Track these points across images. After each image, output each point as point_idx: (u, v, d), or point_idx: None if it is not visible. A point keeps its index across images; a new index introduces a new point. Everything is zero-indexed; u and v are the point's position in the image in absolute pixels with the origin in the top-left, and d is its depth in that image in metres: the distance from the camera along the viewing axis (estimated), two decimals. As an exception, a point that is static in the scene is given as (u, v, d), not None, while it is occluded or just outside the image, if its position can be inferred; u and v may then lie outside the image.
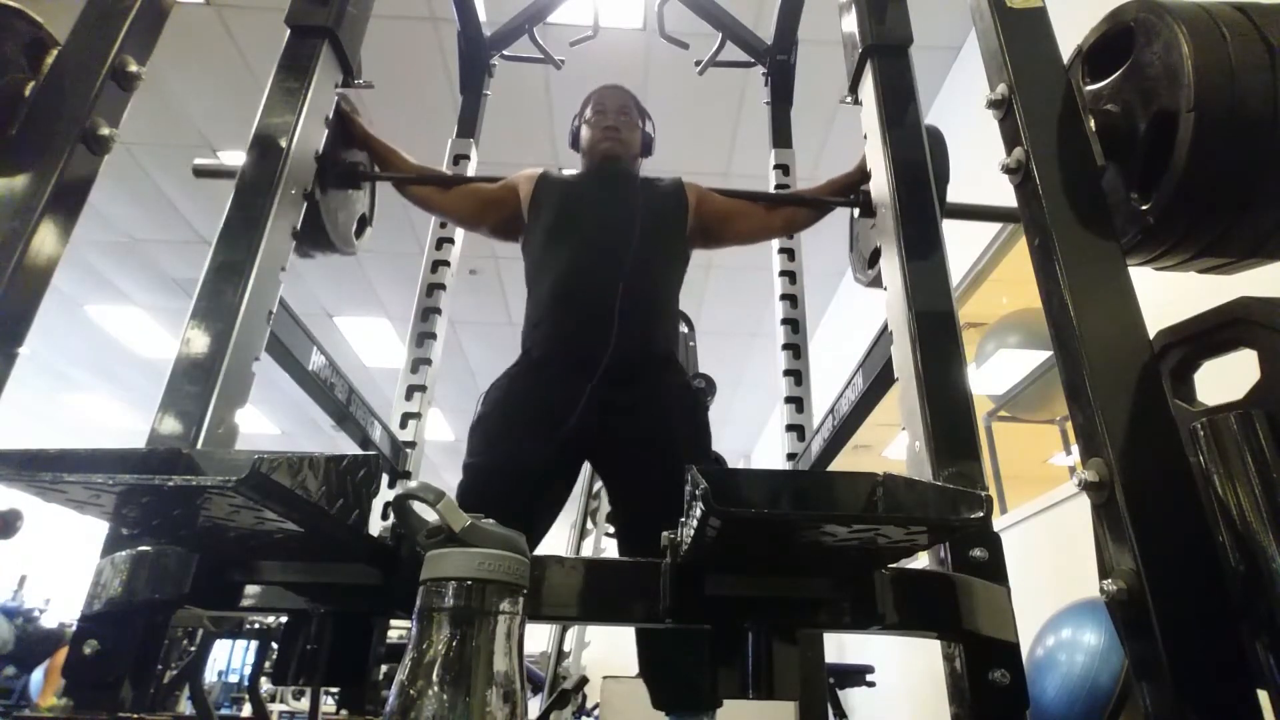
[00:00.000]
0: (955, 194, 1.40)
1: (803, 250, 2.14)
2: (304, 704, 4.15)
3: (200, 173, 1.42)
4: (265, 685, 3.77)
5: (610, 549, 3.50)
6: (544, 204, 1.62)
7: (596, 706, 2.82)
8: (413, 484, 0.54)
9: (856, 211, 1.67)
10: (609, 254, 1.49)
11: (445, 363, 2.07)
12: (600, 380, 1.38)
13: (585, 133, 1.71)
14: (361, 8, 1.42)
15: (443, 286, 2.03)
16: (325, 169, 1.35)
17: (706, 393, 2.16)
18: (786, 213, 1.71)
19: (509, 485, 1.34)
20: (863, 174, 1.47)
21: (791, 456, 1.90)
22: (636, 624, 1.09)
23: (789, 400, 1.97)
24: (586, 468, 1.71)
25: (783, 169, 2.22)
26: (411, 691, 0.44)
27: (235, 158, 1.22)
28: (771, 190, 2.15)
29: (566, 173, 1.72)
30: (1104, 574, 0.72)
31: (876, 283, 1.21)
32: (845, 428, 1.57)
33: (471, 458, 1.41)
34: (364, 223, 1.70)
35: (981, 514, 0.58)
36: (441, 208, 1.72)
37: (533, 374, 1.46)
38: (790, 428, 1.94)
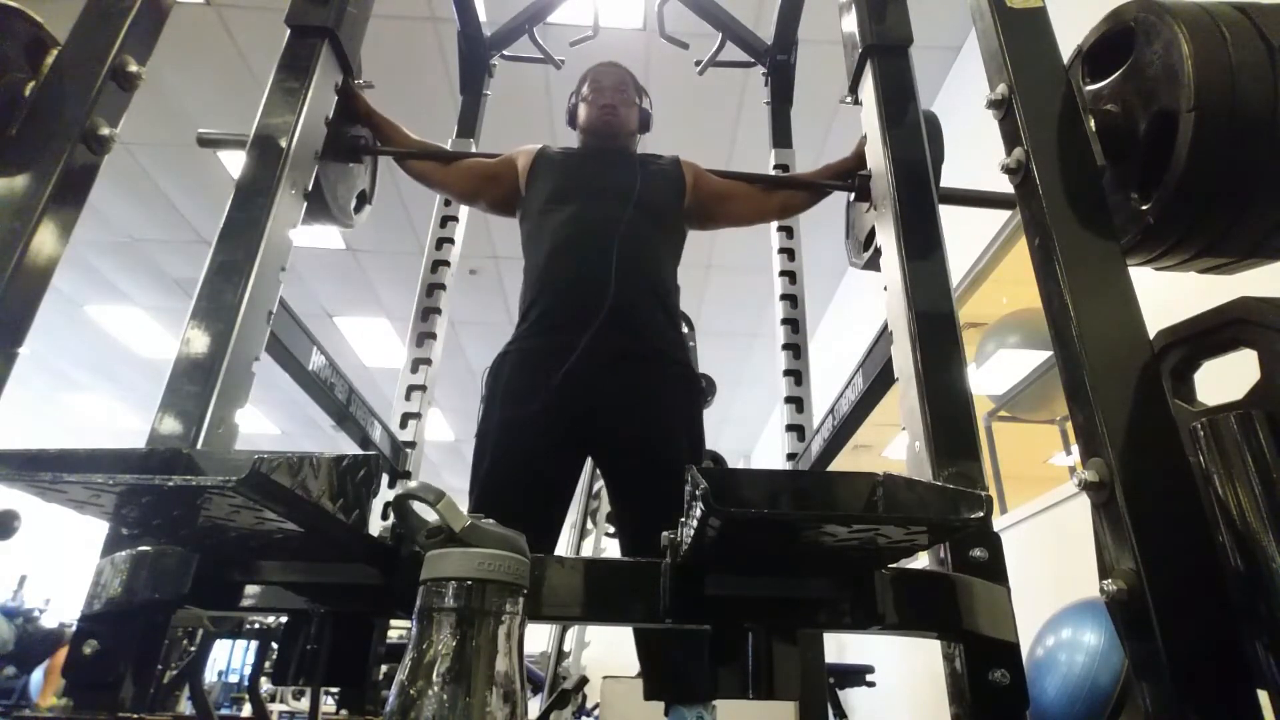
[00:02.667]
0: (955, 194, 1.40)
1: (803, 250, 2.14)
2: (304, 704, 4.16)
3: (204, 142, 1.41)
4: (265, 685, 3.77)
5: (610, 549, 3.50)
6: (541, 176, 1.62)
7: (596, 706, 2.82)
8: (413, 484, 0.54)
9: (852, 196, 1.68)
10: (604, 223, 1.49)
11: (445, 363, 2.07)
12: (598, 349, 1.37)
13: (582, 110, 1.71)
14: (361, 8, 1.42)
15: (443, 286, 2.03)
16: (328, 141, 1.36)
17: (707, 392, 2.16)
18: (782, 196, 1.72)
19: (526, 481, 1.35)
20: (859, 160, 1.48)
21: (791, 456, 1.90)
22: (636, 624, 1.09)
23: (789, 400, 1.97)
24: (587, 466, 1.71)
25: (783, 169, 2.22)
26: (411, 691, 0.44)
27: (235, 158, 1.22)
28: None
29: (565, 148, 1.72)
30: (1104, 574, 0.72)
31: (872, 265, 1.25)
32: (845, 428, 1.57)
33: (484, 454, 1.40)
34: (363, 199, 1.71)
35: (981, 514, 0.58)
36: (441, 183, 1.72)
37: (532, 348, 1.45)
38: (790, 428, 1.94)
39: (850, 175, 1.59)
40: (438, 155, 1.71)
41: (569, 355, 1.38)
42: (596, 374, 1.38)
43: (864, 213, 1.60)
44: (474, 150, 2.23)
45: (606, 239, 1.46)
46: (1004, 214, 2.93)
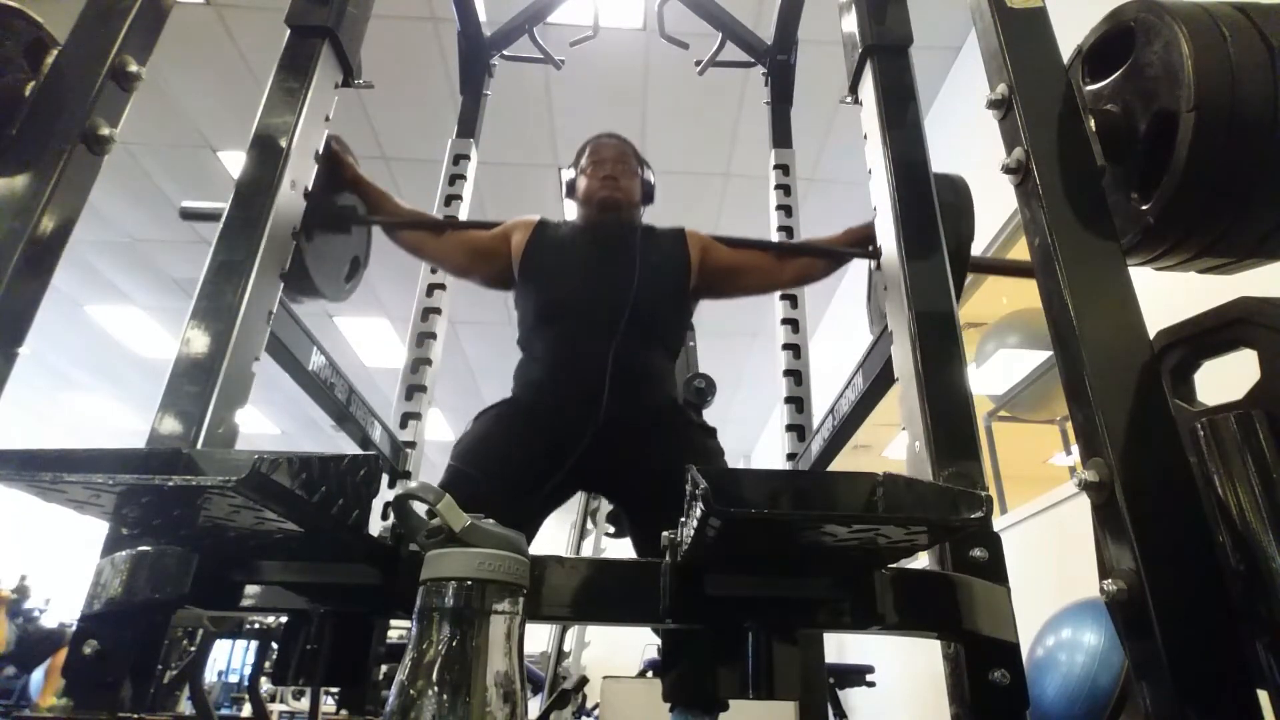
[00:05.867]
0: (955, 194, 1.39)
1: (803, 250, 2.14)
2: (304, 704, 4.15)
3: (187, 215, 1.36)
4: (265, 685, 3.77)
5: (610, 549, 3.50)
6: (537, 258, 1.55)
7: (596, 706, 2.83)
8: (413, 484, 0.54)
9: (874, 264, 1.54)
10: (605, 318, 1.43)
11: (445, 363, 2.07)
12: (595, 443, 1.35)
13: (582, 182, 1.62)
14: (361, 8, 1.42)
15: (443, 286, 2.03)
16: (312, 213, 1.29)
17: (706, 392, 2.16)
18: (798, 265, 1.62)
19: (495, 494, 1.32)
20: None
21: (791, 456, 1.90)
22: (636, 624, 1.09)
23: (789, 400, 1.97)
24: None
25: (783, 169, 2.22)
26: (411, 691, 0.44)
27: (235, 158, 1.22)
28: (774, 215, 2.12)
29: (564, 221, 1.65)
30: (1104, 574, 0.72)
31: None
32: (845, 428, 1.56)
33: (457, 463, 1.38)
34: (357, 264, 1.62)
35: (981, 514, 0.58)
36: (432, 255, 1.66)
37: (523, 417, 1.42)
38: (790, 428, 1.94)
39: (871, 240, 1.47)
40: (428, 224, 1.64)
41: (565, 450, 1.35)
42: (595, 451, 1.36)
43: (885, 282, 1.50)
44: (474, 151, 2.23)
45: (603, 354, 1.39)
46: (1004, 214, 2.93)
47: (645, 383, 1.44)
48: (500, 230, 1.61)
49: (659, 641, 1.37)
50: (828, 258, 1.61)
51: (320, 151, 1.31)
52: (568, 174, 1.68)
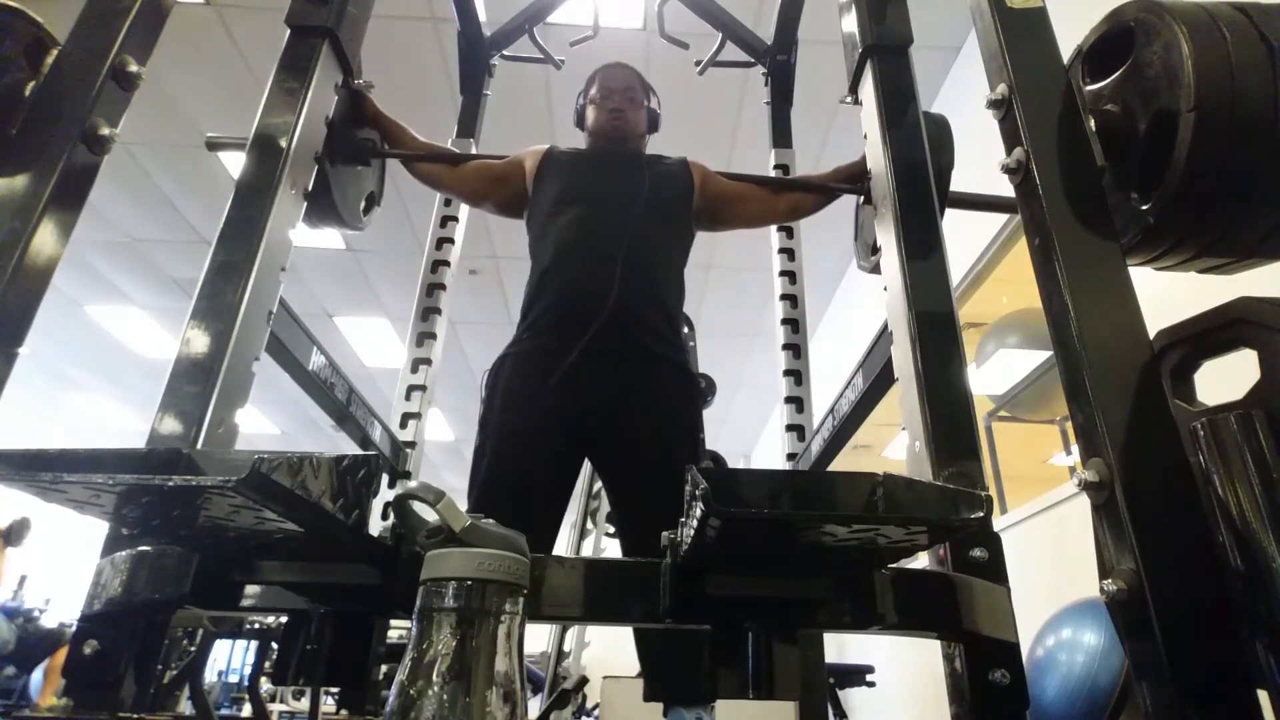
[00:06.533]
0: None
1: (803, 250, 2.14)
2: (304, 704, 4.15)
3: (213, 145, 1.41)
4: (265, 685, 3.76)
5: (610, 549, 3.50)
6: (548, 179, 1.62)
7: (596, 706, 2.82)
8: (413, 484, 0.54)
9: (862, 199, 1.65)
10: (612, 227, 1.49)
11: (445, 363, 2.07)
12: (598, 352, 1.38)
13: (590, 113, 1.72)
14: (361, 8, 1.42)
15: (443, 286, 2.03)
16: (336, 144, 1.36)
17: (707, 392, 2.16)
18: (792, 198, 1.71)
19: (524, 482, 1.36)
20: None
21: (791, 456, 1.90)
22: (636, 624, 1.09)
23: (789, 400, 1.97)
24: (586, 467, 1.71)
25: (783, 169, 2.22)
26: (411, 691, 0.44)
27: (235, 158, 1.22)
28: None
29: (573, 148, 1.72)
30: (1104, 574, 0.72)
31: (879, 270, 1.26)
32: (845, 428, 1.57)
33: (483, 454, 1.41)
34: (372, 200, 1.71)
35: (981, 514, 0.58)
36: (450, 185, 1.72)
37: (532, 349, 1.46)
38: (790, 428, 1.94)
39: (859, 178, 1.56)
40: (446, 157, 1.71)
41: (567, 358, 1.38)
42: (595, 376, 1.39)
43: (874, 216, 1.58)
44: (475, 150, 2.23)
45: (612, 244, 1.46)
46: (1004, 214, 2.93)
47: (651, 283, 1.50)
48: (514, 157, 1.69)
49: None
50: (819, 193, 1.68)
51: (329, 116, 1.33)
52: (578, 102, 1.78)
